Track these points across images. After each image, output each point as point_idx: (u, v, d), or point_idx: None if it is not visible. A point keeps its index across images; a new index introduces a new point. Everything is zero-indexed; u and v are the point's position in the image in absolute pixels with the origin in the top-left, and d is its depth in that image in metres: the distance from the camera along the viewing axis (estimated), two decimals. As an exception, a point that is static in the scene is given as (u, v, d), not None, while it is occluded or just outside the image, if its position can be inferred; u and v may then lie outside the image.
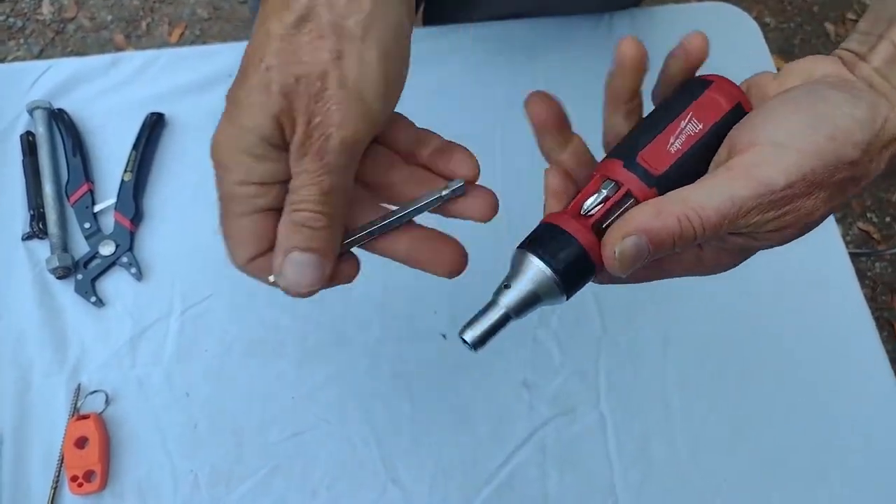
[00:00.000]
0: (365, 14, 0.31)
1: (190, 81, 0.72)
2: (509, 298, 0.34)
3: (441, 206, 0.37)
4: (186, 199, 0.68)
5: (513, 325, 0.67)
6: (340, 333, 0.65)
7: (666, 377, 0.65)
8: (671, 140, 0.35)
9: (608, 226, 0.34)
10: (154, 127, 0.68)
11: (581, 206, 0.35)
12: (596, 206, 0.34)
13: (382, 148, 0.38)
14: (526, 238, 0.35)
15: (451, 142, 0.38)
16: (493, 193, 0.38)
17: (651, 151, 0.35)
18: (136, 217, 0.66)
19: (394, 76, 0.33)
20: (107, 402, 0.61)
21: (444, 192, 0.36)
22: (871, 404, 0.65)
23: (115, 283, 0.65)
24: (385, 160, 0.38)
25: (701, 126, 0.35)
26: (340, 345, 0.64)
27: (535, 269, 0.34)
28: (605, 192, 0.35)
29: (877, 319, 1.50)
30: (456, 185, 0.36)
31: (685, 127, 0.35)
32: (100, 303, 0.64)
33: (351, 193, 0.35)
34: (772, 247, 0.35)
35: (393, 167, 0.38)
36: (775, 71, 0.38)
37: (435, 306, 0.66)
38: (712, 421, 0.64)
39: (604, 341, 0.66)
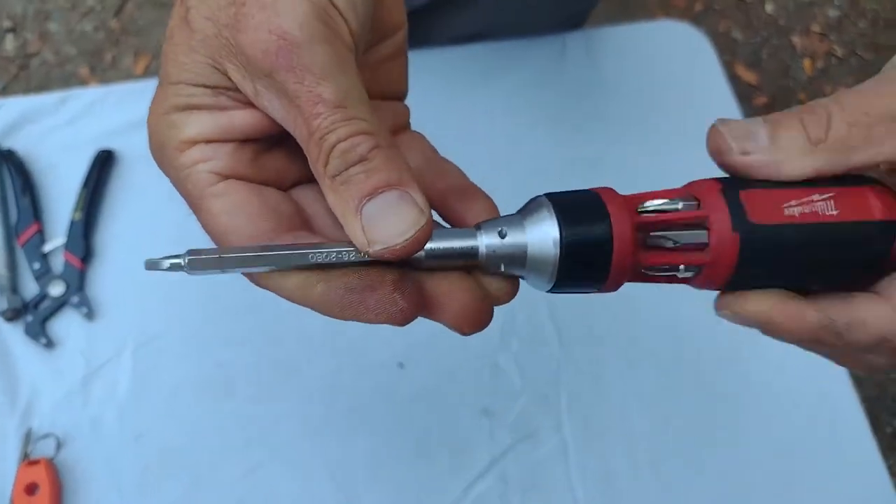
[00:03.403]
0: None
1: (140, 116, 0.70)
2: (491, 241, 0.27)
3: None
4: (138, 235, 0.67)
5: (470, 351, 0.67)
6: (294, 367, 0.64)
7: (628, 400, 0.65)
8: (792, 202, 0.27)
9: (653, 241, 0.28)
10: (104, 164, 0.68)
11: (642, 202, 0.28)
12: (657, 210, 0.28)
13: None
14: (561, 192, 0.28)
15: (473, 184, 0.31)
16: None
17: (761, 196, 0.27)
18: (87, 256, 0.65)
19: None
20: (58, 446, 0.60)
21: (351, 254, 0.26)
22: (834, 419, 0.65)
23: (66, 324, 0.64)
24: None
25: (835, 214, 0.27)
26: (295, 379, 0.63)
27: (542, 227, 0.27)
28: (679, 204, 0.28)
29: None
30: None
31: (816, 202, 0.28)
32: (50, 344, 0.63)
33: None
34: None
35: None
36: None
37: (390, 335, 0.65)
38: (676, 442, 0.64)
39: (564, 365, 0.66)
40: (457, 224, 0.30)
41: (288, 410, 0.62)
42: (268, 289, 0.27)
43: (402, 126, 0.34)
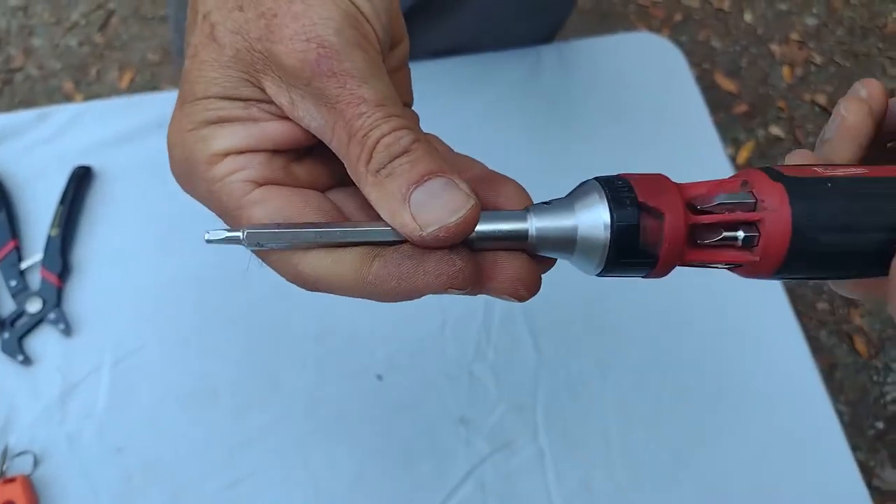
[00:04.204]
0: None
1: (118, 132, 0.71)
2: (542, 224, 0.27)
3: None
4: (115, 251, 0.68)
5: (447, 360, 0.67)
6: (275, 379, 0.64)
7: (604, 407, 0.65)
8: (823, 169, 0.27)
9: (705, 236, 0.27)
10: (81, 180, 0.68)
11: (693, 191, 0.27)
12: (720, 204, 0.27)
13: None
14: (610, 176, 0.28)
15: (497, 172, 0.31)
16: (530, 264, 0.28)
17: (793, 170, 0.27)
18: (64, 272, 0.65)
19: None
20: (35, 463, 0.60)
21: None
22: (810, 426, 0.66)
23: (44, 341, 0.64)
24: None
25: (866, 171, 0.27)
26: (276, 390, 0.64)
27: (593, 211, 0.26)
28: (738, 199, 0.26)
29: (836, 333, 1.52)
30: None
31: (851, 168, 0.28)
32: (27, 361, 0.63)
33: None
34: None
35: None
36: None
37: (371, 347, 0.66)
38: (653, 450, 0.64)
39: (541, 373, 0.66)
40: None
41: (269, 423, 0.63)
42: (319, 285, 0.27)
43: None
